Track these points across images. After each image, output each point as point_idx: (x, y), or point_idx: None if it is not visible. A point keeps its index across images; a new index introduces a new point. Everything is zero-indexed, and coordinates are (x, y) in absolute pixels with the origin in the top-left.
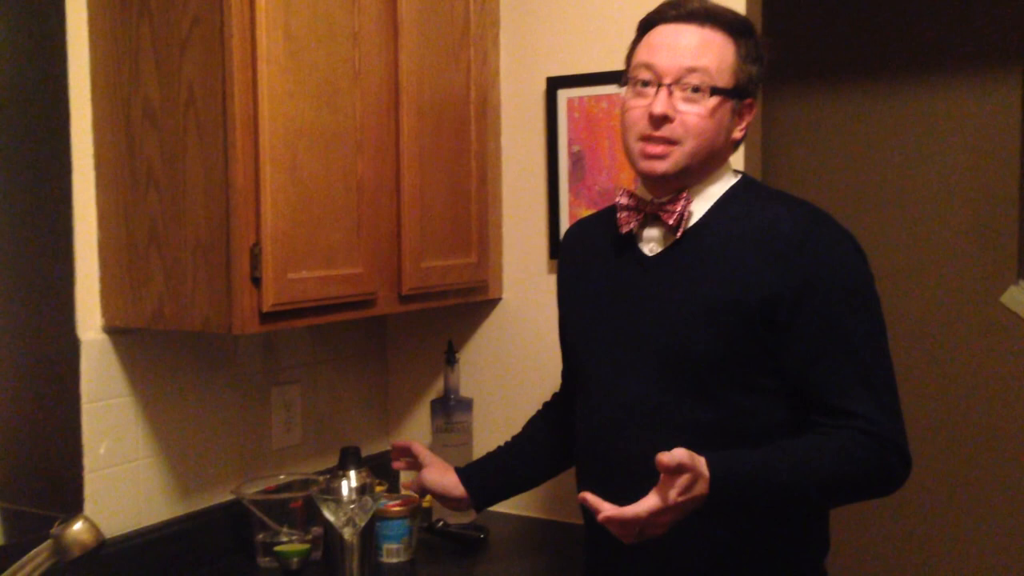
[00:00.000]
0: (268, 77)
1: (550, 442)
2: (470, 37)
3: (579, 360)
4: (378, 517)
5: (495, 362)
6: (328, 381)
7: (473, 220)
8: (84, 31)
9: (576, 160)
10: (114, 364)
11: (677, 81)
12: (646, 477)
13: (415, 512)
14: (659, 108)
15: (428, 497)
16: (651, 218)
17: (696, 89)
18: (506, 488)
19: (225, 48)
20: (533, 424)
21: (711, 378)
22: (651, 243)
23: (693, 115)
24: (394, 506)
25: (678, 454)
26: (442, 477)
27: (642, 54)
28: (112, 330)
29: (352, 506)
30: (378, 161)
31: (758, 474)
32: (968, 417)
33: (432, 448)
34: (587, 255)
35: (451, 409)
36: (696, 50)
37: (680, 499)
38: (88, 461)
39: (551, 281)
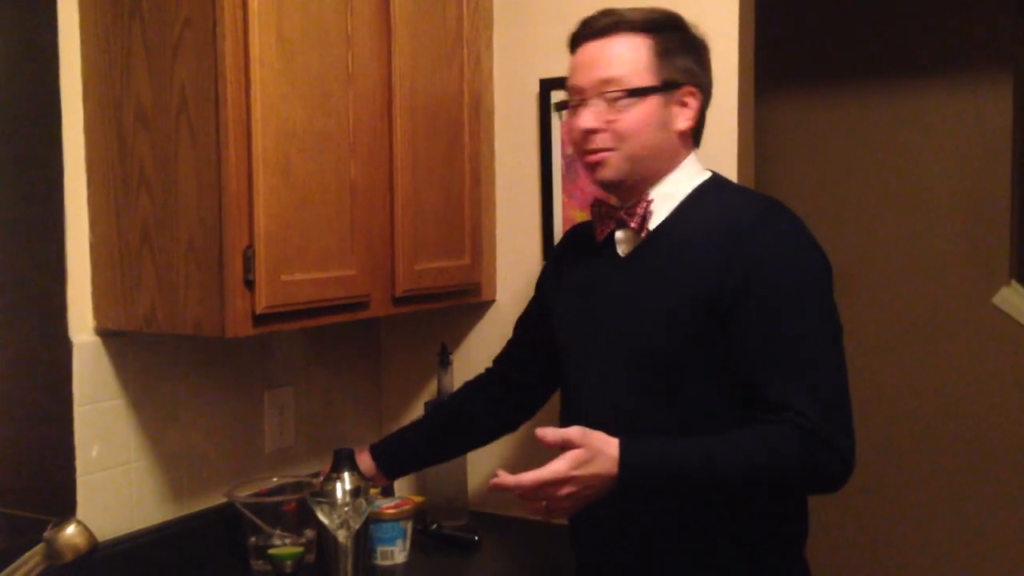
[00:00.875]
0: (261, 79)
1: (468, 426)
2: (463, 39)
3: (562, 361)
4: (372, 520)
5: (488, 364)
6: (321, 383)
7: (466, 222)
8: (75, 33)
9: (570, 162)
10: (106, 367)
11: (600, 94)
12: None
13: (409, 514)
14: (583, 123)
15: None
16: (621, 222)
17: (616, 97)
18: (418, 460)
19: (217, 50)
20: (456, 403)
21: (676, 379)
22: (622, 245)
23: (620, 121)
24: (388, 508)
25: (568, 431)
26: (362, 461)
27: (569, 77)
28: (104, 333)
29: (346, 509)
30: (371, 163)
31: (670, 460)
32: (961, 417)
33: None
34: (574, 260)
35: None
36: (607, 61)
37: (575, 473)
38: (80, 464)
39: None
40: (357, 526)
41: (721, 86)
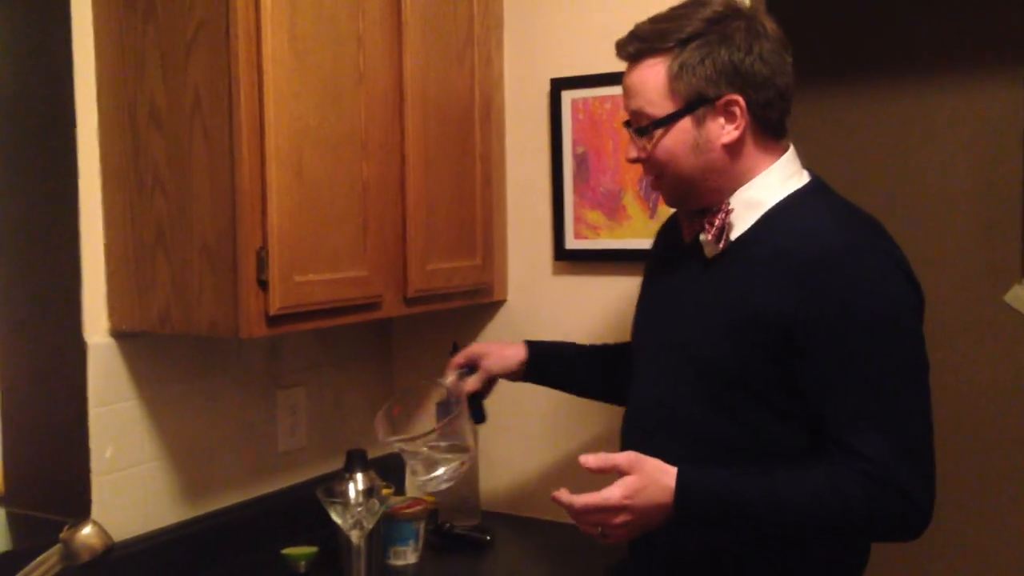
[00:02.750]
0: (274, 79)
1: (609, 372)
2: (474, 39)
3: (633, 353)
4: (385, 519)
5: None
6: (333, 384)
7: (478, 222)
8: (89, 34)
9: (580, 161)
10: (121, 368)
11: (635, 126)
12: None
13: (422, 514)
14: (627, 155)
15: (433, 499)
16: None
17: (642, 130)
18: (558, 377)
19: (230, 50)
20: (607, 349)
21: (732, 393)
22: (708, 247)
23: (655, 152)
24: (401, 508)
25: (616, 457)
26: (503, 355)
27: None
28: (119, 334)
29: (359, 508)
30: (383, 163)
31: (728, 493)
32: (971, 415)
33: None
34: (670, 249)
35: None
36: (633, 91)
37: (628, 502)
38: (95, 465)
39: (556, 283)
40: (370, 526)
41: None
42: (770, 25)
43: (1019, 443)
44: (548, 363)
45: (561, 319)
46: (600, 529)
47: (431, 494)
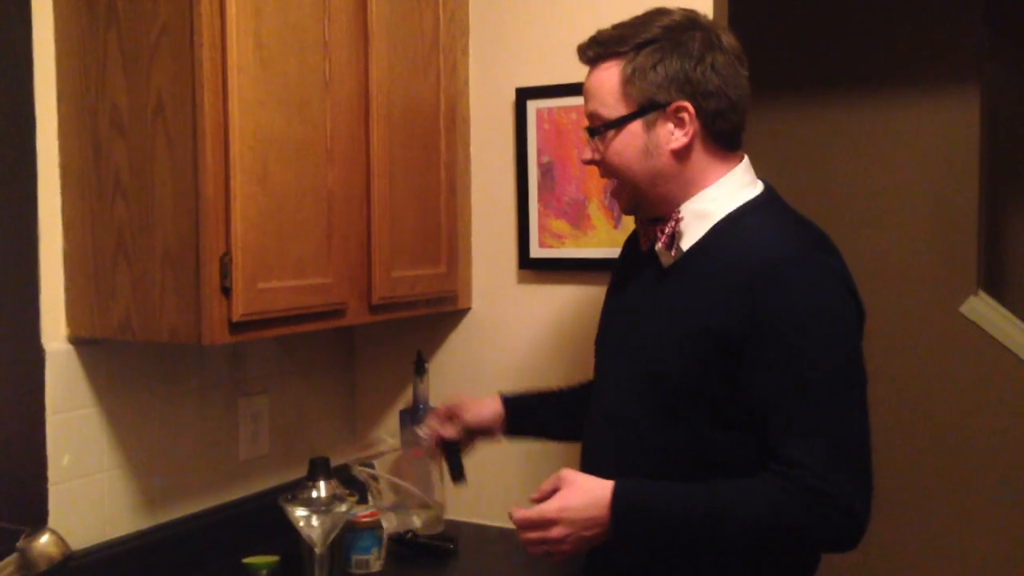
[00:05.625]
0: (238, 86)
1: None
2: (439, 47)
3: (595, 363)
4: (348, 528)
5: (464, 372)
6: (296, 392)
7: (443, 230)
8: (50, 38)
9: (546, 171)
10: (79, 375)
11: (591, 126)
12: None
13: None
14: (581, 157)
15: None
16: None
17: (594, 131)
18: (536, 431)
19: (195, 56)
20: (581, 390)
21: (684, 405)
22: (662, 257)
23: (606, 154)
24: (364, 517)
25: (543, 485)
26: (479, 408)
27: None
28: (78, 340)
29: (322, 517)
30: (348, 171)
31: (664, 506)
32: (929, 426)
33: (402, 458)
34: (630, 259)
35: (420, 419)
36: (588, 94)
37: (563, 514)
38: (52, 473)
39: (521, 291)
40: (333, 535)
41: None
42: (727, 39)
43: (977, 452)
44: (525, 419)
45: (525, 327)
46: (544, 548)
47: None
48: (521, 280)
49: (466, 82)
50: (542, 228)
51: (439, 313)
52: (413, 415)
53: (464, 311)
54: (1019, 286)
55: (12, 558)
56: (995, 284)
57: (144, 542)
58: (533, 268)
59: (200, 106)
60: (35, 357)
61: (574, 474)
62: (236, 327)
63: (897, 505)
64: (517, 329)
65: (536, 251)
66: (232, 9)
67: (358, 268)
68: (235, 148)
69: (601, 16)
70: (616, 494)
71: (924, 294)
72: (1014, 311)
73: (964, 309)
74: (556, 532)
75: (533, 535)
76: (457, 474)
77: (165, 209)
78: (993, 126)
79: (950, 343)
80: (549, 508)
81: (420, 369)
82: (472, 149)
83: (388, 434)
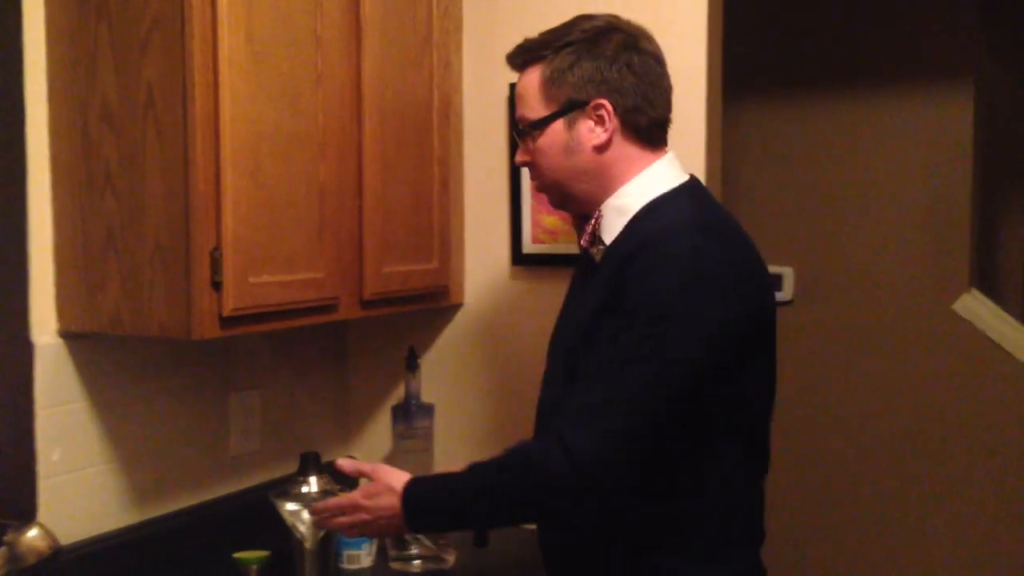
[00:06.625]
0: (230, 79)
1: None
2: (433, 42)
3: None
4: None
5: (456, 368)
6: (287, 387)
7: (435, 225)
8: (41, 31)
9: None
10: (69, 369)
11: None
12: None
13: None
14: (516, 159)
15: None
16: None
17: (521, 132)
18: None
19: (186, 49)
20: None
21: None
22: (595, 253)
23: (534, 155)
24: None
25: (363, 465)
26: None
27: None
28: (67, 334)
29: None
30: (340, 165)
31: (443, 491)
32: (922, 422)
33: (394, 453)
34: (580, 264)
35: (412, 415)
36: (517, 99)
37: (365, 502)
38: (42, 468)
39: (513, 287)
40: (323, 530)
41: (689, 94)
42: (646, 43)
43: (971, 450)
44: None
45: (518, 323)
46: (356, 529)
47: None
48: (514, 276)
49: (459, 77)
50: (535, 224)
51: (431, 308)
52: (405, 411)
53: (457, 306)
54: (1012, 284)
55: (0, 552)
56: (988, 282)
57: (134, 537)
58: (526, 264)
59: (191, 100)
60: (24, 351)
61: (386, 469)
62: (227, 322)
63: (890, 502)
64: (510, 325)
65: (529, 247)
66: (223, 2)
67: (350, 263)
68: (226, 142)
69: (591, 9)
70: (407, 484)
71: (917, 291)
72: (1007, 309)
73: (957, 307)
74: (359, 516)
75: (344, 520)
76: (481, 540)
77: (156, 203)
78: (987, 123)
79: (943, 341)
80: (353, 496)
81: (412, 365)
82: (465, 144)
83: (378, 433)
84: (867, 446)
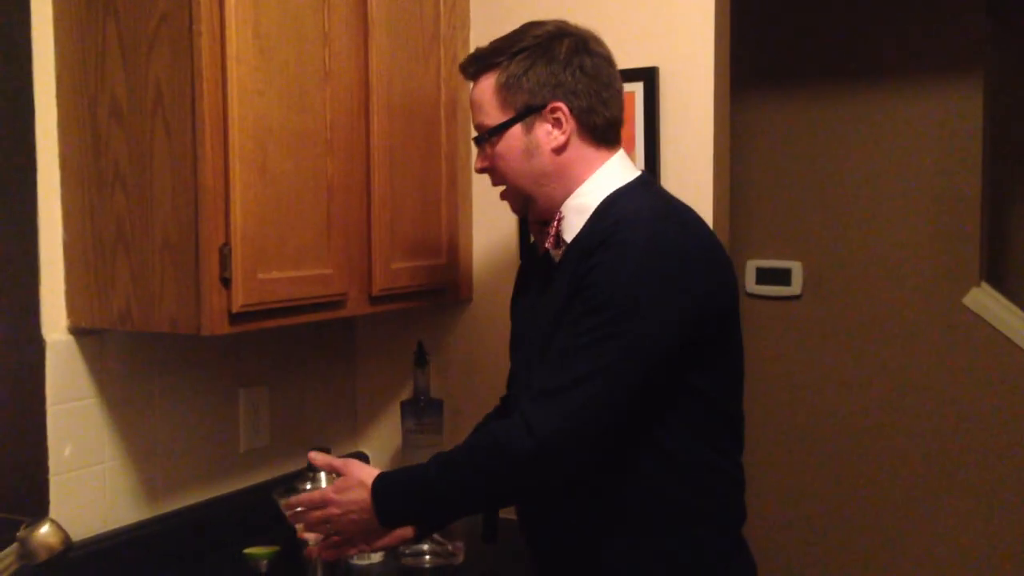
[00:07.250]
0: (238, 76)
1: None
2: (440, 38)
3: (509, 371)
4: None
5: (465, 363)
6: (297, 383)
7: (443, 221)
8: (49, 29)
9: None
10: (80, 365)
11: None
12: None
13: None
14: (475, 166)
15: None
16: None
17: (479, 139)
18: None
19: (194, 46)
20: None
21: None
22: (555, 254)
23: (494, 161)
24: None
25: (333, 459)
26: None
27: None
28: (78, 331)
29: None
30: (348, 161)
31: (413, 482)
32: (931, 417)
33: (403, 449)
34: (529, 266)
35: (421, 410)
36: (473, 107)
37: (335, 496)
38: (53, 464)
39: None
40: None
41: (698, 87)
42: (595, 45)
43: (980, 442)
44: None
45: None
46: (326, 527)
47: None
48: None
49: None
50: None
51: (440, 304)
52: (415, 406)
53: (465, 302)
54: (1022, 277)
55: (12, 548)
56: (998, 275)
57: (145, 533)
58: None
59: (199, 96)
60: (35, 347)
61: (356, 464)
62: (236, 318)
63: (900, 495)
64: None
65: None
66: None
67: (358, 259)
68: (234, 138)
69: (600, 4)
70: (377, 476)
71: (927, 285)
72: (1017, 302)
73: (967, 300)
74: (329, 511)
75: (317, 514)
76: (490, 535)
77: (164, 199)
78: (996, 116)
79: (953, 334)
80: (327, 490)
81: (421, 360)
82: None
83: (387, 428)
84: (877, 440)
